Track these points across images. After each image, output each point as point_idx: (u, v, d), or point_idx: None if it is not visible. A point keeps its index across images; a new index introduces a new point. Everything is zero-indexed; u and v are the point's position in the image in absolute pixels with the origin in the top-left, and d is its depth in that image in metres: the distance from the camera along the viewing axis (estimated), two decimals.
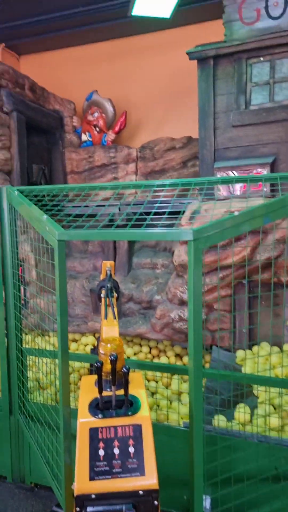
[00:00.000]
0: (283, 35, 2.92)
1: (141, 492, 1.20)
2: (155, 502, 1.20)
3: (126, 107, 4.91)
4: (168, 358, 3.38)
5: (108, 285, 1.97)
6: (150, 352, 3.52)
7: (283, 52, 3.00)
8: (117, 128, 4.64)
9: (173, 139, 4.42)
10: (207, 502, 1.76)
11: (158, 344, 3.53)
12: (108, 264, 2.13)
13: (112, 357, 1.32)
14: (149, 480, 1.22)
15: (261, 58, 3.05)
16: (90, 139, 4.74)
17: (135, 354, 3.48)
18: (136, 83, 5.05)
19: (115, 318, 1.79)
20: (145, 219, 1.79)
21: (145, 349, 3.52)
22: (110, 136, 4.63)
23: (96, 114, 4.72)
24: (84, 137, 4.76)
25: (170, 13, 3.48)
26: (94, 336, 3.67)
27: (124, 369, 1.34)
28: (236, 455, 1.82)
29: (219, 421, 2.14)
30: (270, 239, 2.73)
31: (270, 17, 2.96)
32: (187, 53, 3.14)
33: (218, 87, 3.18)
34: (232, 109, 3.17)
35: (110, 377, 1.37)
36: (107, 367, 1.38)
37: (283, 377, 2.27)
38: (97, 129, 4.70)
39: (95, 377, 1.47)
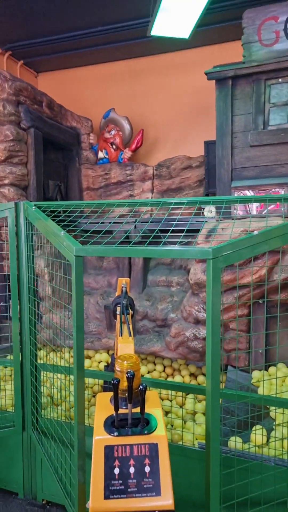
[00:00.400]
0: None
1: None
2: None
3: (143, 125, 5.01)
4: (183, 377, 3.34)
5: (124, 302, 1.97)
6: (164, 371, 3.48)
7: None
8: (133, 146, 4.72)
9: (190, 158, 4.48)
10: None
11: (172, 363, 3.50)
12: (123, 281, 2.13)
13: (129, 374, 1.31)
14: (165, 500, 1.19)
15: (280, 79, 3.08)
16: (107, 157, 4.82)
17: (149, 372, 3.45)
18: (153, 102, 5.15)
19: (130, 335, 1.78)
20: (161, 237, 1.80)
21: (159, 367, 3.48)
22: (127, 153, 4.71)
23: (113, 132, 4.81)
24: (100, 154, 4.85)
25: (189, 34, 3.55)
26: (108, 353, 3.66)
27: (141, 387, 1.32)
28: (253, 478, 1.77)
29: (237, 442, 2.10)
30: None
31: None
32: (206, 73, 3.20)
33: (236, 107, 3.22)
34: (250, 129, 3.20)
35: (126, 394, 1.36)
36: (124, 384, 1.37)
37: None
38: (114, 146, 4.79)
39: (110, 394, 1.45)
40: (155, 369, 3.48)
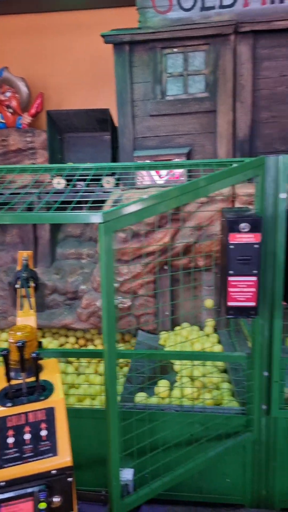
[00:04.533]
0: (194, 28, 2.96)
1: (54, 471, 1.21)
2: (69, 479, 1.22)
3: (43, 89, 4.71)
4: (95, 346, 3.39)
5: (24, 275, 1.93)
6: (77, 343, 3.50)
7: (194, 45, 3.06)
8: (33, 111, 4.45)
9: None
10: (129, 473, 1.82)
11: (85, 334, 3.53)
12: (24, 254, 2.08)
13: (18, 344, 1.30)
14: (62, 458, 1.23)
15: (175, 49, 3.11)
16: (3, 121, 4.48)
17: (61, 345, 3.44)
18: (54, 64, 4.84)
19: (31, 308, 1.76)
20: (65, 208, 1.74)
21: (71, 339, 3.49)
22: (26, 119, 4.42)
23: (8, 94, 4.45)
24: None
25: None
26: None
27: (34, 355, 1.32)
28: (154, 426, 1.91)
29: (140, 397, 2.22)
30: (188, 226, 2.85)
31: (182, 8, 3.03)
32: (102, 36, 3.10)
33: (135, 74, 3.18)
34: (149, 98, 3.19)
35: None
36: (16, 355, 1.35)
37: (196, 350, 2.41)
38: (11, 110, 4.46)
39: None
40: (67, 342, 3.48)
